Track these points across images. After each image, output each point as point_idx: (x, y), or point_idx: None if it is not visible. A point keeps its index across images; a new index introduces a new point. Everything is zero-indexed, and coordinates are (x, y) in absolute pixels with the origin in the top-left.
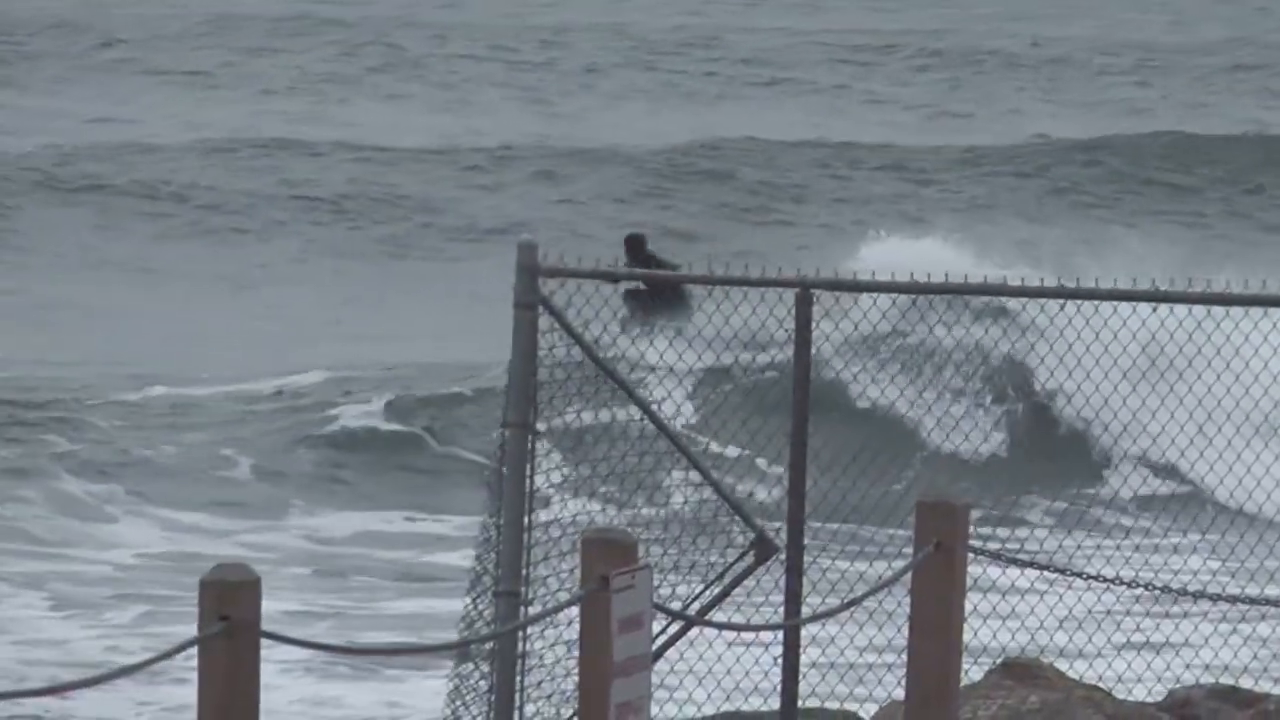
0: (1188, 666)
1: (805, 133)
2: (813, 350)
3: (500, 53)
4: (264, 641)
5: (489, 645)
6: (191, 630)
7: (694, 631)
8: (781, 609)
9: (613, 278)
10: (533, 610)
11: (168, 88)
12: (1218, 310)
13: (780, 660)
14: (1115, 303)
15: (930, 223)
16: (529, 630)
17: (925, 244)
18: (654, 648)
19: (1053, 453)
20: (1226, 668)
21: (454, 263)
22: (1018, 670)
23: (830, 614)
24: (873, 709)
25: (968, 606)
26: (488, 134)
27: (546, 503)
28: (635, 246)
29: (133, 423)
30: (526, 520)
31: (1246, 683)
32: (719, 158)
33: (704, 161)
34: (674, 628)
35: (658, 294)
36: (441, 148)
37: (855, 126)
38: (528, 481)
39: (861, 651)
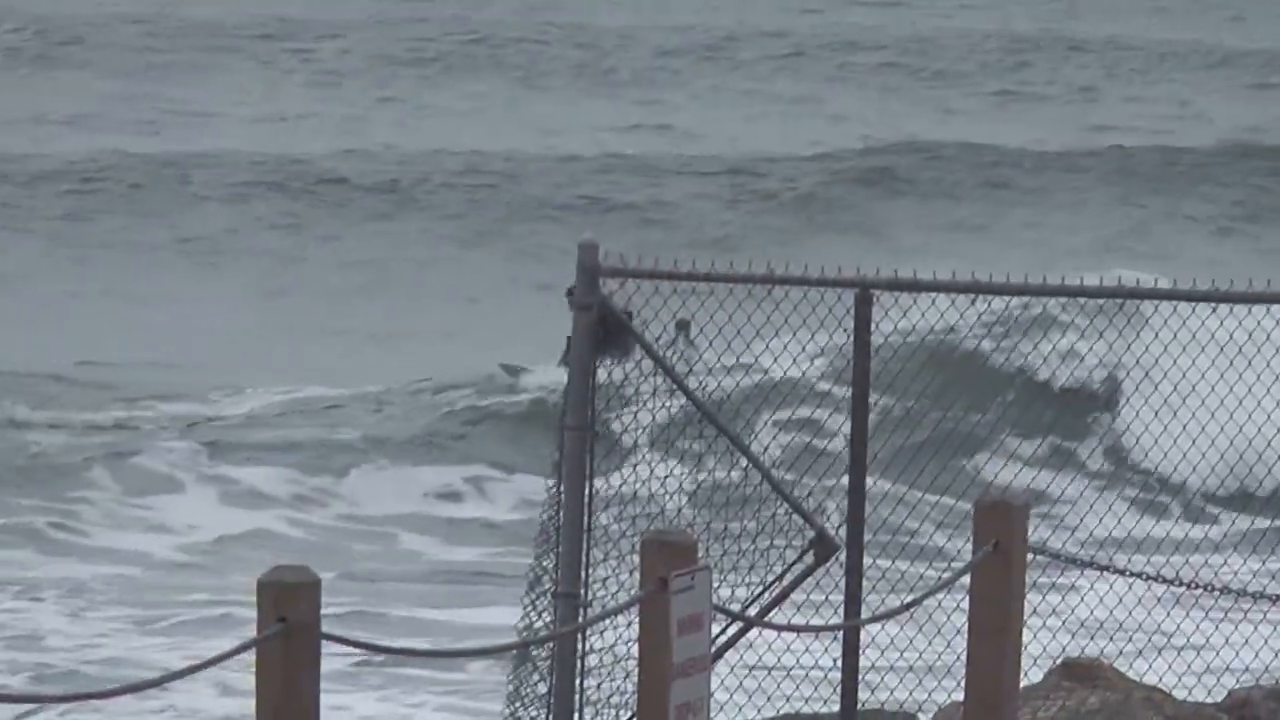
0: (1247, 668)
1: (889, 126)
2: (873, 350)
3: (577, 38)
4: None
5: (547, 647)
6: (219, 637)
7: (753, 632)
8: (840, 609)
9: (673, 277)
10: (591, 612)
11: (237, 78)
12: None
13: (839, 661)
14: (1177, 302)
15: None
16: (588, 632)
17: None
18: (713, 649)
19: (1112, 446)
20: None
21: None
22: (1077, 671)
23: (890, 615)
24: (932, 711)
25: (1026, 607)
26: (562, 127)
27: (605, 503)
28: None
29: (240, 420)
30: (585, 521)
31: None
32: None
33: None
34: (733, 628)
35: (608, 337)
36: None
37: (947, 119)
38: (587, 483)
39: (921, 653)
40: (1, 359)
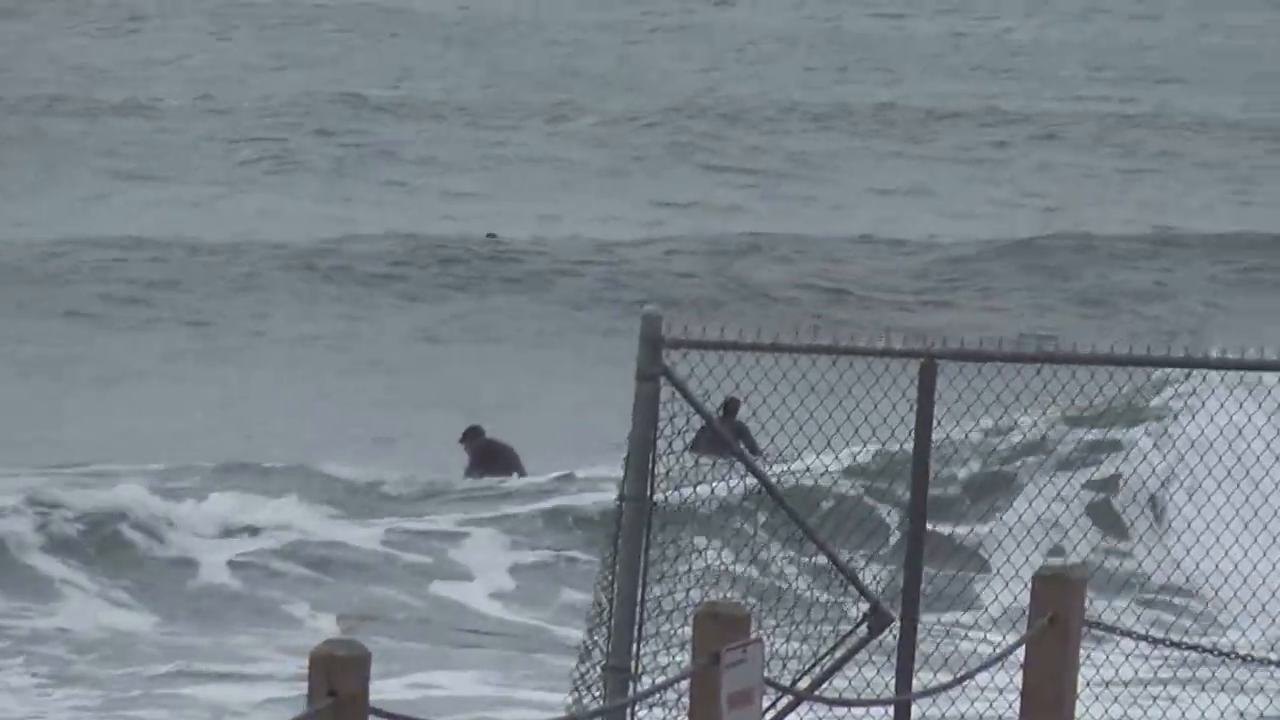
0: None
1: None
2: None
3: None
4: None
5: None
6: None
7: (803, 705)
8: (892, 682)
9: (738, 348)
10: (643, 686)
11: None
12: None
13: None
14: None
15: None
16: (638, 706)
17: None
18: None
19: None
20: None
21: None
22: None
23: (942, 689)
24: None
25: (1079, 680)
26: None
27: (661, 576)
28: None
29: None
30: (639, 594)
31: None
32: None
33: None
34: (784, 701)
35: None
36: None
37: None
38: (642, 556)
39: None
40: None
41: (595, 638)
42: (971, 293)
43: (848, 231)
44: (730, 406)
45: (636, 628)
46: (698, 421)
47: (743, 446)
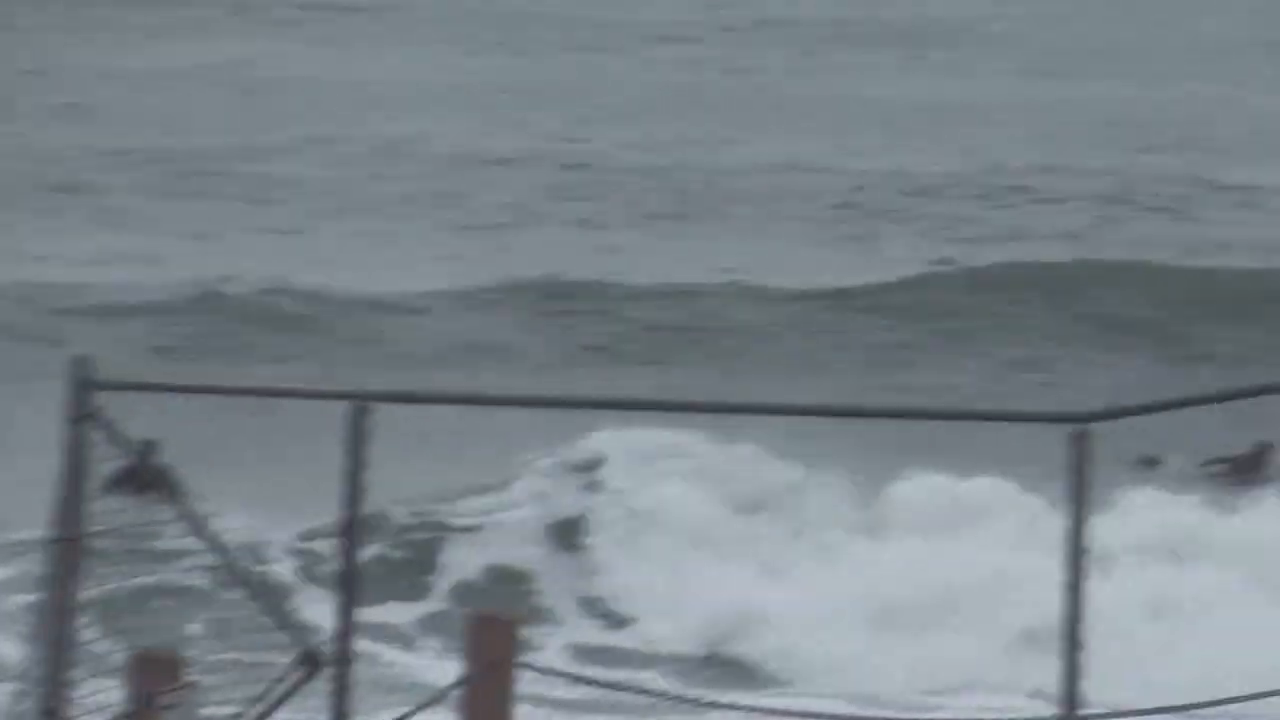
0: None
1: None
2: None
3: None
4: None
5: None
6: None
7: None
8: None
9: (171, 390)
10: None
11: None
12: None
13: None
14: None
15: None
16: None
17: None
18: None
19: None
20: None
21: None
22: None
23: None
24: None
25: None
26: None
27: (94, 618)
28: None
29: None
30: (69, 636)
31: None
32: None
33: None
34: None
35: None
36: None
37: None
38: (72, 597)
39: None
40: None
41: (29, 680)
42: (416, 329)
43: (312, 271)
44: (150, 448)
45: (67, 671)
46: (126, 463)
47: (168, 488)
